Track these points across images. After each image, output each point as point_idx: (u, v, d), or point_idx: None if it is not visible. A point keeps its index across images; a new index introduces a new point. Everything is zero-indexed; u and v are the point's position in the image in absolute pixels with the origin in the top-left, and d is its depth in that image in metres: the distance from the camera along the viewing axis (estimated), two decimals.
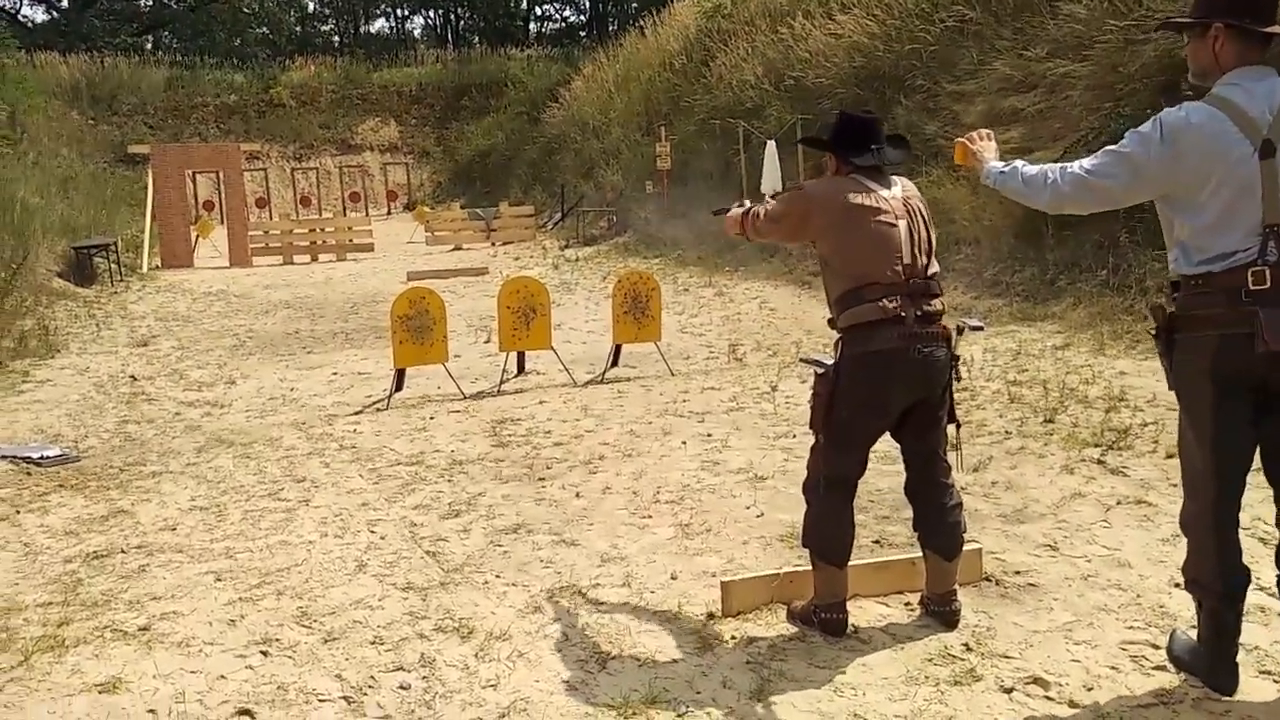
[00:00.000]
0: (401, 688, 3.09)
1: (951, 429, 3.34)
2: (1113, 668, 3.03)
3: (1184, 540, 2.83)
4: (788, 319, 9.97)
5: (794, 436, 5.61)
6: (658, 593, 3.70)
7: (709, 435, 5.83)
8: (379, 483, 5.23)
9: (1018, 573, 3.72)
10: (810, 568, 3.35)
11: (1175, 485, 4.34)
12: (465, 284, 14.15)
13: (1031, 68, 10.68)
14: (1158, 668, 2.99)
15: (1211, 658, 2.80)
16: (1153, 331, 2.80)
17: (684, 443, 5.70)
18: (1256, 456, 2.70)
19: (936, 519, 3.31)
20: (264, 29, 43.12)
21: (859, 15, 14.60)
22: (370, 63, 35.02)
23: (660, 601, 3.63)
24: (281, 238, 19.63)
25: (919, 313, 3.13)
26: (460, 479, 5.24)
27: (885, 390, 3.16)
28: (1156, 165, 2.62)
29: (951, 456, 3.36)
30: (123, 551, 4.35)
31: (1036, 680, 2.96)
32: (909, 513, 3.47)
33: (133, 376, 8.55)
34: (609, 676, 3.10)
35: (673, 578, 3.83)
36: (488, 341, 9.39)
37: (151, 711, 3.00)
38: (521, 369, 7.96)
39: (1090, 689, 2.91)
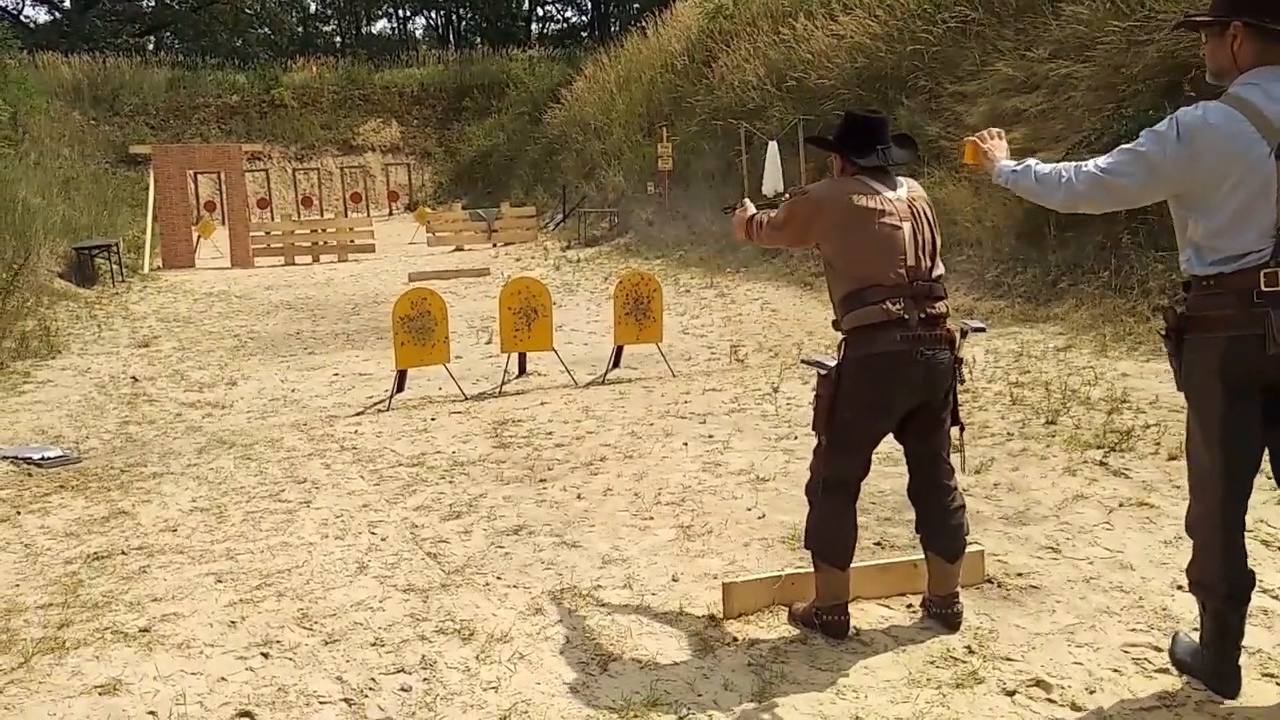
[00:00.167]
0: (402, 690, 3.08)
1: (955, 431, 3.34)
2: (1115, 670, 3.02)
3: (1187, 542, 2.82)
4: (789, 320, 9.97)
5: (796, 438, 5.61)
6: (659, 594, 3.70)
7: (710, 437, 5.83)
8: (380, 484, 5.23)
9: (1020, 575, 3.71)
10: (812, 569, 3.35)
11: (1178, 487, 4.34)
12: (467, 285, 14.15)
13: (1034, 68, 10.67)
14: (1160, 670, 2.99)
15: (1214, 660, 2.79)
16: (1163, 332, 2.78)
17: (685, 444, 5.69)
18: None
19: (939, 521, 3.30)
20: (266, 29, 43.14)
21: (861, 16, 14.60)
22: (372, 63, 35.06)
23: (661, 603, 3.62)
24: (283, 238, 19.65)
25: (922, 315, 3.12)
26: (461, 480, 5.23)
27: (888, 392, 3.15)
28: (1173, 164, 2.60)
29: (954, 459, 3.35)
30: (123, 553, 4.35)
31: (1039, 683, 2.95)
32: (911, 514, 3.46)
33: (134, 377, 8.55)
34: (610, 679, 3.10)
35: (674, 579, 3.83)
36: (489, 342, 9.39)
37: (152, 713, 2.99)
38: (523, 370, 7.96)
39: (1092, 691, 2.91)
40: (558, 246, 18.61)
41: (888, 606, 3.50)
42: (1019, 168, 2.91)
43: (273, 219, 24.73)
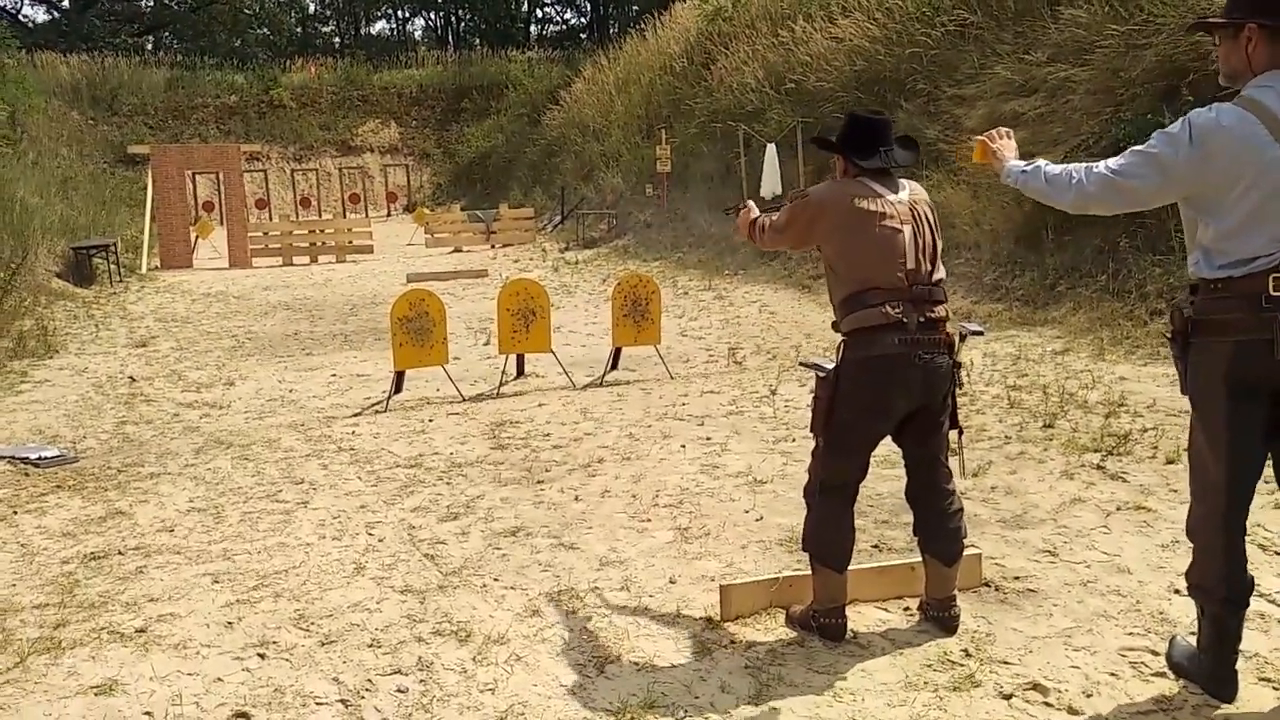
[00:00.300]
0: (399, 691, 3.08)
1: (953, 434, 3.34)
2: (1112, 674, 3.02)
3: (1184, 546, 2.82)
4: (787, 322, 9.97)
5: (793, 440, 5.61)
6: (656, 597, 3.70)
7: (708, 439, 5.82)
8: (377, 485, 5.22)
9: (1017, 578, 3.71)
10: (809, 572, 3.35)
11: (1175, 491, 4.34)
12: (465, 286, 14.15)
13: (1032, 72, 10.68)
14: (1157, 674, 2.99)
15: (1212, 664, 2.79)
16: (1169, 334, 2.78)
17: (683, 446, 5.69)
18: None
19: (936, 524, 3.30)
20: (264, 30, 43.18)
21: (860, 19, 14.61)
22: (371, 64, 35.07)
23: (659, 605, 3.62)
24: (281, 239, 19.63)
25: (921, 319, 3.12)
26: (459, 481, 5.23)
27: (886, 395, 3.15)
28: (1185, 166, 2.58)
29: (952, 462, 3.35)
30: (120, 553, 4.34)
31: (1036, 686, 2.95)
32: (909, 517, 3.46)
33: (131, 377, 8.54)
34: (607, 681, 3.10)
35: (671, 582, 3.83)
36: (487, 344, 9.39)
37: (148, 714, 2.99)
38: (521, 371, 7.96)
39: (1089, 695, 2.91)
40: (556, 248, 18.61)
41: (885, 609, 3.50)
42: (1029, 168, 2.90)
43: (271, 219, 24.72)
